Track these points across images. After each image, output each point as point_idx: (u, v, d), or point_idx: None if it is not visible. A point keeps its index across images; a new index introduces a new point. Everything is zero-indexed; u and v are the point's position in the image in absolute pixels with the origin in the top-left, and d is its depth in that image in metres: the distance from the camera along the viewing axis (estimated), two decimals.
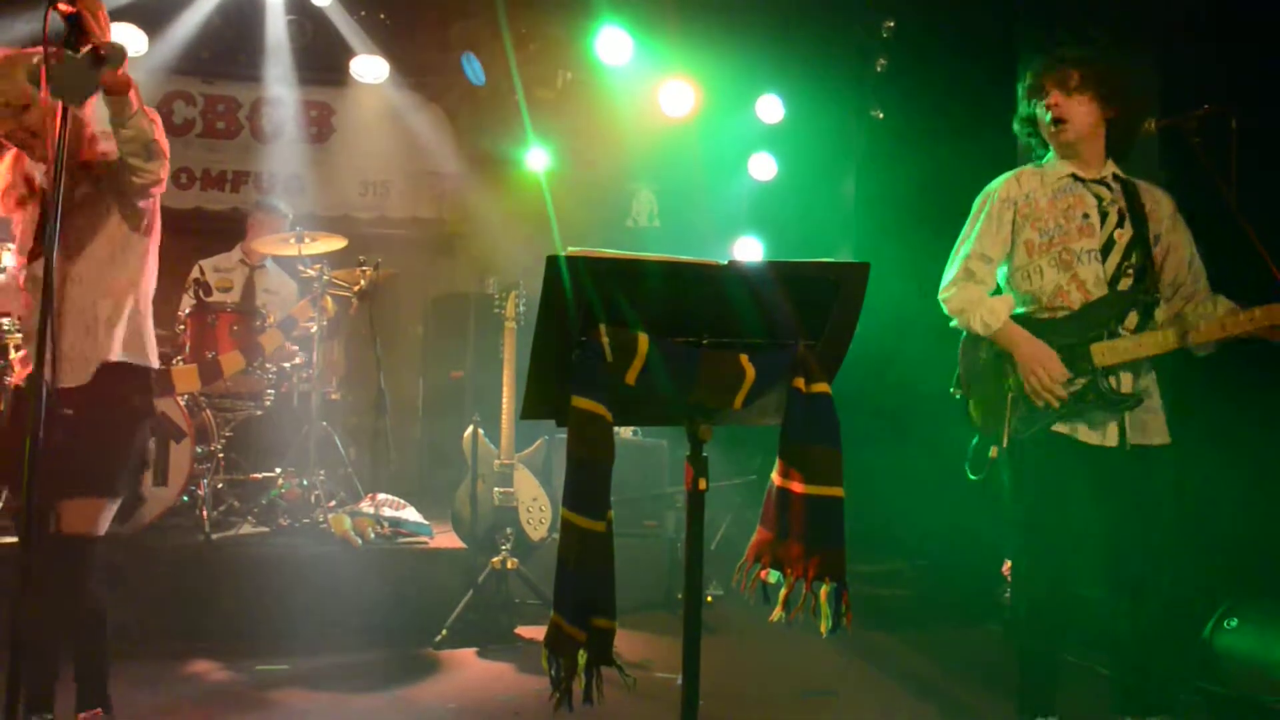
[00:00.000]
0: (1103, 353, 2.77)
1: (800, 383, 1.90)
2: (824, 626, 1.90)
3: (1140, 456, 2.83)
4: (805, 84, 6.07)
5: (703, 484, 1.91)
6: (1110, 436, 2.82)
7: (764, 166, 6.32)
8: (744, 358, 1.87)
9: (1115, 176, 2.92)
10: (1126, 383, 2.81)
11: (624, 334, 1.79)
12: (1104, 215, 2.87)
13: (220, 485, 4.59)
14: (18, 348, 3.62)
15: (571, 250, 1.75)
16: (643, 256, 1.83)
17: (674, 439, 5.21)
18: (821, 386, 1.91)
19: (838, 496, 1.91)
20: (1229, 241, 2.83)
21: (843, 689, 3.73)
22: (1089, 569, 3.01)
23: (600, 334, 1.78)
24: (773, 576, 1.96)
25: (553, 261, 1.73)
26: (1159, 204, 2.91)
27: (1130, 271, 2.83)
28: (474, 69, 6.08)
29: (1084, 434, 2.82)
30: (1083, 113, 2.87)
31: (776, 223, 6.30)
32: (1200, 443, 3.85)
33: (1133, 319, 2.82)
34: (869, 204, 5.79)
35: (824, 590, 1.90)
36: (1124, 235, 2.85)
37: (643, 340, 1.80)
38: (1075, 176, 2.92)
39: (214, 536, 4.24)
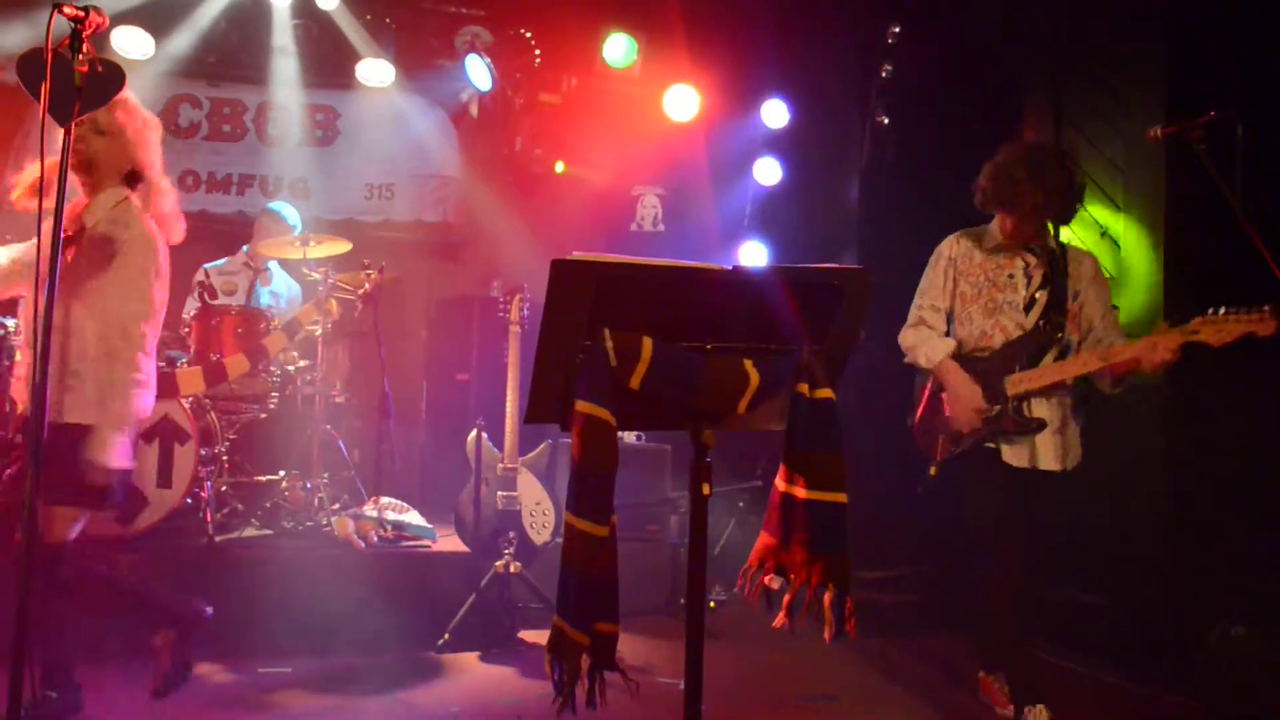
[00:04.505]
0: (1014, 384, 3.27)
1: (804, 388, 1.90)
2: (827, 632, 1.89)
3: (1042, 478, 3.30)
4: (810, 89, 6.07)
5: (706, 489, 1.91)
6: (1023, 458, 3.29)
7: (769, 171, 6.31)
8: (748, 363, 1.87)
9: (1043, 246, 3.37)
10: (1040, 410, 3.28)
11: (628, 338, 1.79)
12: (1029, 278, 3.37)
13: (224, 488, 4.59)
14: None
15: (576, 254, 1.75)
16: (647, 261, 1.83)
17: (678, 444, 5.20)
18: (825, 392, 1.91)
19: (841, 502, 1.91)
20: (1235, 248, 2.83)
21: (845, 695, 3.72)
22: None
23: (604, 338, 1.78)
24: (776, 582, 1.96)
25: (558, 265, 1.73)
26: (1081, 265, 3.38)
27: (1044, 324, 3.31)
28: (479, 73, 6.08)
29: (1005, 454, 3.30)
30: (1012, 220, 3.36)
31: (781, 228, 6.30)
32: (1207, 447, 3.85)
33: (1049, 359, 3.29)
34: (873, 209, 5.78)
35: (827, 596, 1.90)
36: (1044, 295, 3.33)
37: (647, 345, 1.80)
38: (1007, 243, 3.40)
39: (218, 539, 4.24)
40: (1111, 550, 4.10)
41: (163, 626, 3.30)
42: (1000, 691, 3.43)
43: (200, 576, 4.07)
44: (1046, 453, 3.28)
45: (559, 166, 6.52)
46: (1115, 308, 3.51)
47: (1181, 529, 3.86)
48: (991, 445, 3.32)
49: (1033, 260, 3.37)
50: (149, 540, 4.14)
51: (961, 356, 3.39)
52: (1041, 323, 3.30)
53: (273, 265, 5.45)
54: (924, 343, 3.45)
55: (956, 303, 3.46)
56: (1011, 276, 3.37)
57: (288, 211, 5.49)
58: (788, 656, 4.09)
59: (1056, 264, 3.34)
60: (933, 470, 3.46)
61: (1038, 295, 3.33)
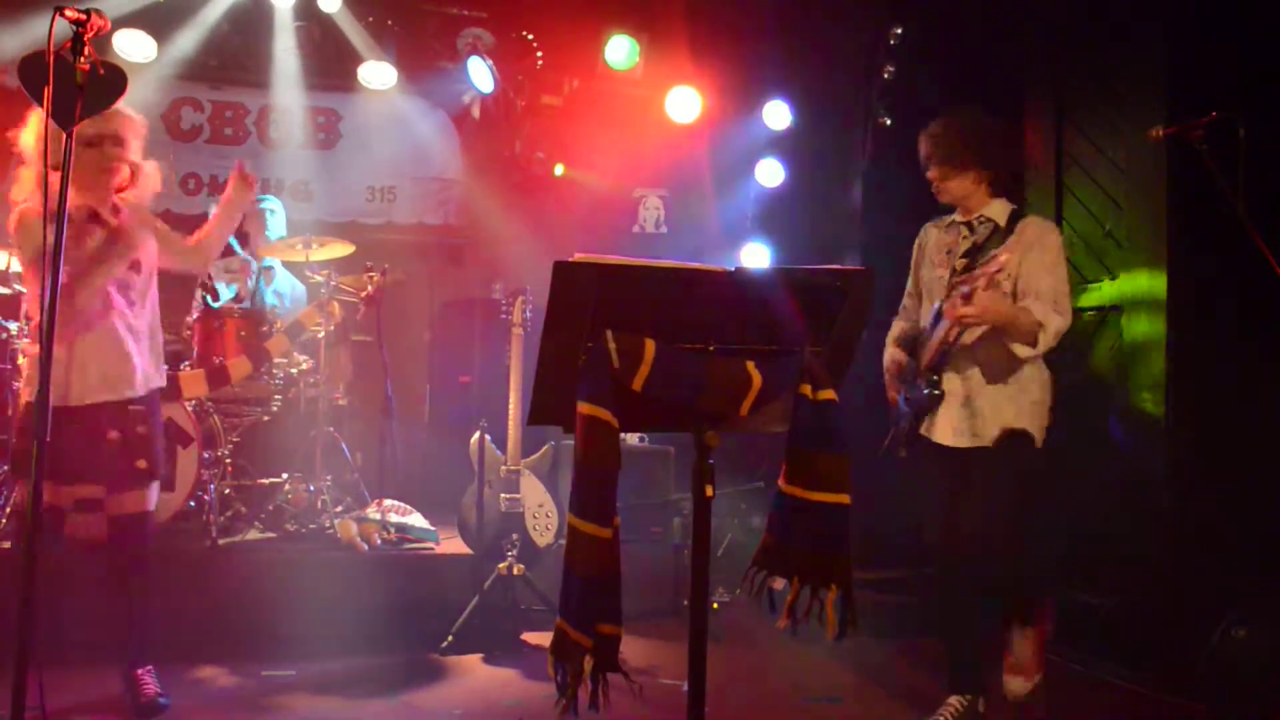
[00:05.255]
0: (921, 355, 3.30)
1: (807, 389, 1.90)
2: (830, 633, 1.89)
3: (975, 457, 3.22)
4: (813, 90, 6.06)
5: (709, 491, 1.91)
6: (943, 435, 3.26)
7: (771, 172, 6.31)
8: (750, 364, 1.87)
9: (982, 219, 3.31)
10: (950, 383, 3.25)
11: (631, 340, 1.79)
12: (958, 251, 3.32)
13: (227, 490, 4.59)
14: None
15: (579, 256, 1.75)
16: (650, 263, 1.83)
17: (680, 445, 5.20)
18: (828, 394, 1.91)
19: (843, 503, 1.91)
20: (1237, 249, 2.83)
21: (848, 696, 3.72)
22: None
23: (607, 340, 1.78)
24: (779, 583, 1.96)
25: (560, 267, 1.74)
26: (1022, 235, 3.22)
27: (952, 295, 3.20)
28: (481, 75, 6.08)
29: (930, 432, 3.29)
30: (954, 184, 3.30)
31: (783, 229, 6.29)
32: (1211, 447, 3.85)
33: (970, 335, 3.20)
34: (876, 211, 5.78)
35: (830, 597, 1.90)
36: (963, 265, 3.26)
37: (649, 346, 1.80)
38: (956, 220, 3.38)
39: (220, 542, 4.24)
40: (1112, 550, 4.09)
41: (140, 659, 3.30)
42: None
43: (203, 579, 4.08)
44: (945, 427, 3.23)
45: (559, 169, 6.52)
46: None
47: (1183, 529, 3.85)
48: (921, 428, 3.31)
49: (965, 233, 3.33)
50: (151, 543, 4.14)
51: (914, 338, 3.42)
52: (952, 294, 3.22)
53: (276, 264, 5.46)
54: (891, 329, 3.54)
55: (924, 287, 3.46)
56: (949, 252, 3.35)
57: (274, 200, 5.54)
58: (790, 658, 4.09)
59: (993, 236, 3.25)
60: (884, 446, 3.47)
61: (956, 265, 3.28)
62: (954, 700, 3.27)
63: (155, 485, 3.35)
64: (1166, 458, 3.93)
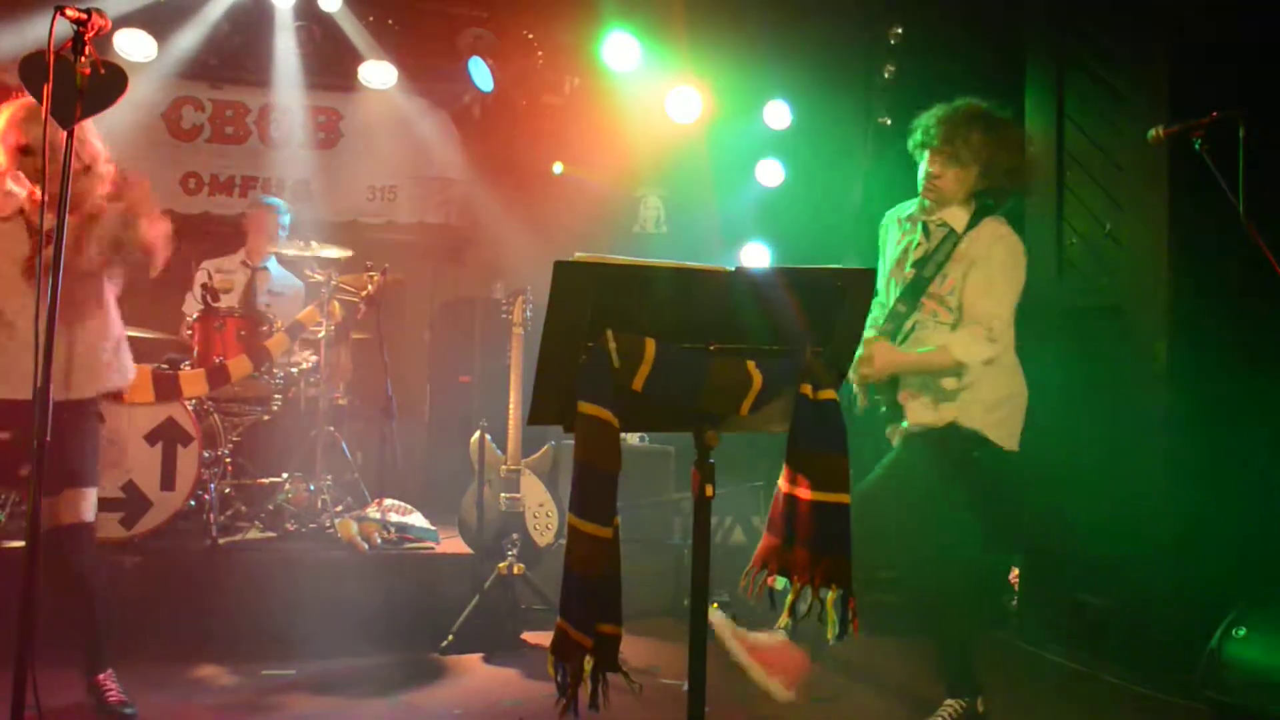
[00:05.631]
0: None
1: (807, 389, 1.90)
2: (830, 633, 1.90)
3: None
4: (813, 90, 6.06)
5: (709, 490, 1.91)
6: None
7: (771, 172, 6.30)
8: (751, 364, 1.87)
9: (938, 222, 3.19)
10: (885, 392, 3.20)
11: (631, 340, 1.80)
12: (910, 255, 3.22)
13: (227, 490, 4.60)
14: None
15: (579, 256, 1.75)
16: (650, 262, 1.83)
17: (681, 445, 5.20)
18: (828, 393, 1.91)
19: (844, 503, 1.91)
20: (1239, 251, 2.83)
21: (848, 696, 3.72)
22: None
23: (607, 339, 1.78)
24: (779, 583, 1.97)
25: (561, 267, 1.74)
26: (972, 245, 3.12)
27: (900, 304, 3.19)
28: (482, 75, 6.09)
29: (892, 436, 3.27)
30: (950, 178, 3.14)
31: (784, 229, 6.29)
32: (1212, 447, 3.85)
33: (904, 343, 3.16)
34: (876, 210, 5.77)
35: (830, 597, 1.91)
36: (912, 274, 3.19)
37: (650, 346, 1.80)
38: (915, 215, 3.27)
39: (220, 541, 4.24)
40: (1115, 550, 4.09)
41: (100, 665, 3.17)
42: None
43: (203, 579, 4.08)
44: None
45: (557, 167, 6.51)
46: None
47: (1186, 528, 3.85)
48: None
49: (921, 238, 3.22)
50: (152, 542, 4.15)
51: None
52: (899, 304, 3.18)
53: (271, 263, 5.46)
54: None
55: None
56: (907, 251, 3.25)
57: (273, 198, 5.54)
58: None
59: (944, 243, 3.14)
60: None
61: (907, 276, 3.20)
62: (951, 703, 3.23)
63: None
64: (1166, 456, 3.93)
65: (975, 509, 3.34)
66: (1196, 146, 2.82)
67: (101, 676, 3.11)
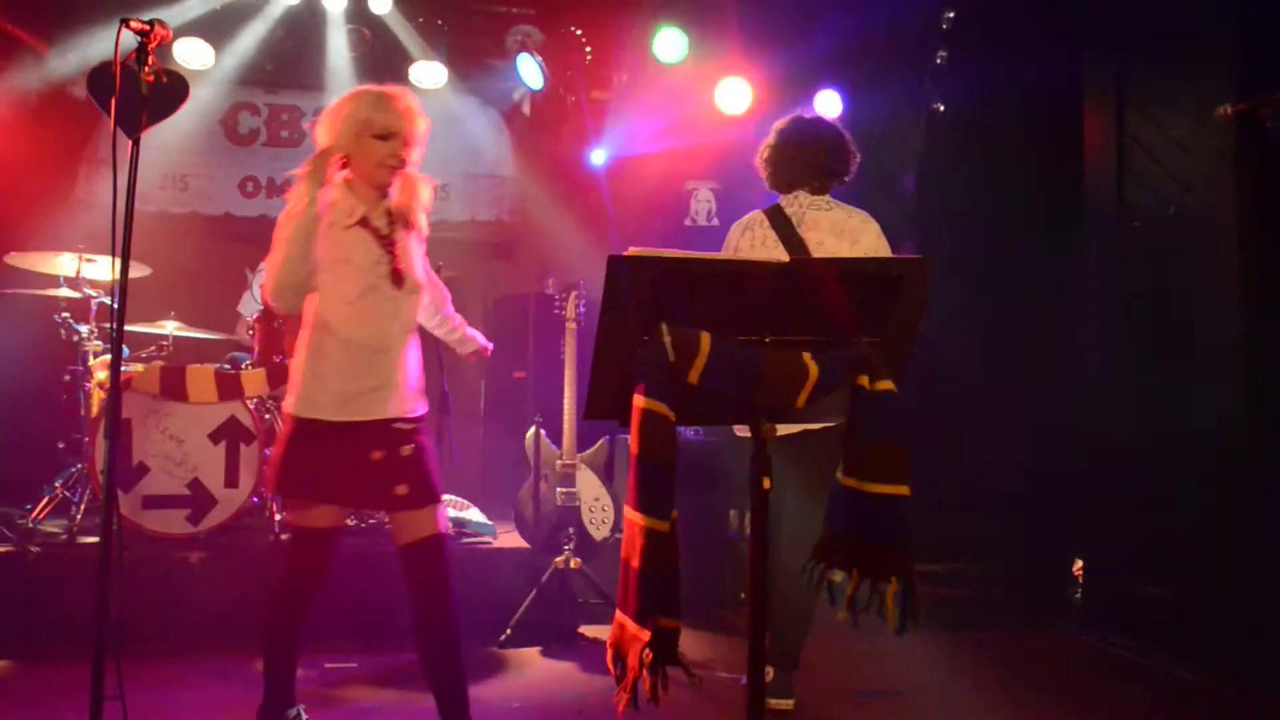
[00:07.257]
0: None
1: (864, 380, 1.87)
2: (890, 625, 1.87)
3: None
4: (864, 78, 5.98)
5: (766, 483, 1.90)
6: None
7: None
8: (807, 356, 1.85)
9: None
10: None
11: (686, 333, 1.79)
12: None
13: None
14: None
15: (632, 250, 1.75)
16: (703, 256, 1.82)
17: (730, 437, 5.17)
18: (886, 384, 1.88)
19: (903, 495, 1.88)
20: None
21: (905, 690, 3.68)
22: None
23: (662, 333, 1.77)
24: (838, 575, 1.94)
25: (614, 262, 1.73)
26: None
27: None
28: (530, 72, 6.11)
29: None
30: None
31: None
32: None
33: None
34: (930, 198, 5.69)
35: (890, 590, 1.88)
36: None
37: (705, 339, 1.79)
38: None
39: (284, 537, 4.32)
40: (1187, 538, 3.98)
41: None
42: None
43: (267, 574, 4.15)
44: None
45: (598, 156, 6.49)
46: None
47: (1263, 515, 3.73)
48: None
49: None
50: (217, 538, 4.24)
51: None
52: None
53: None
54: None
55: None
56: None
57: None
58: (847, 651, 4.05)
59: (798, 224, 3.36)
60: None
61: None
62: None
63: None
64: (1238, 443, 3.82)
65: None
66: (1268, 124, 2.73)
67: None
